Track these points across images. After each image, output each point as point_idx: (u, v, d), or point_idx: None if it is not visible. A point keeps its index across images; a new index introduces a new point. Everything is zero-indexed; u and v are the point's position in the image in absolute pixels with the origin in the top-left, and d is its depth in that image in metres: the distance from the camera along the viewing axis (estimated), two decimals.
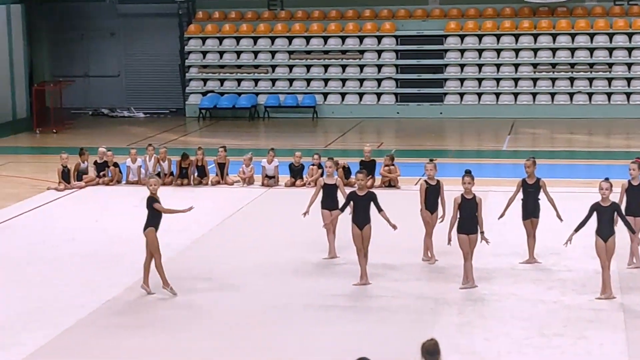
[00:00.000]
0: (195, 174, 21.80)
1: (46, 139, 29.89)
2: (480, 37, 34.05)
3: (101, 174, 21.92)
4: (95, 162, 22.02)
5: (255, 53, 35.09)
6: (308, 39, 34.93)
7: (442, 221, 15.20)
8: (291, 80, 34.52)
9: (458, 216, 13.97)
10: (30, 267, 15.51)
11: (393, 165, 20.95)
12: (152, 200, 14.01)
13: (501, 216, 15.34)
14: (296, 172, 21.59)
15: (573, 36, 33.64)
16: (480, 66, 33.79)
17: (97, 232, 17.75)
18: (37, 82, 34.62)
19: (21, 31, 34.71)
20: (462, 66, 33.83)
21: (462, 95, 33.50)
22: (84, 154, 22.03)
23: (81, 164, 21.95)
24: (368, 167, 20.18)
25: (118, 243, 16.88)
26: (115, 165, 22.10)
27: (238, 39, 35.35)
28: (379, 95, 33.97)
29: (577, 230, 13.57)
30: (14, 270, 15.27)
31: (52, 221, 18.79)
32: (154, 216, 14.00)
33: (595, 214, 13.47)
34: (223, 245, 16.88)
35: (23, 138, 30.41)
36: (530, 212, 15.18)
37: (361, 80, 34.23)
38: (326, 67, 34.53)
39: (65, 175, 21.47)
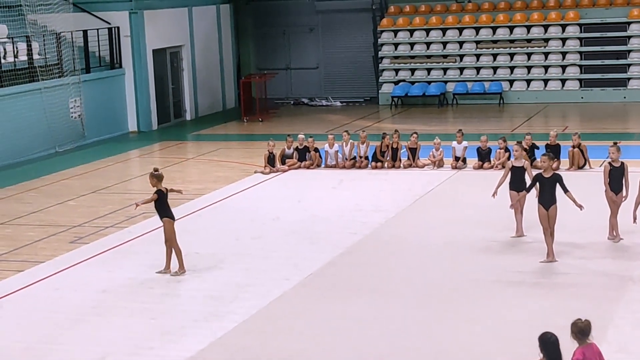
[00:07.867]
0: (389, 157, 21.86)
1: (253, 127, 30.57)
2: None
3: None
4: (297, 148, 22.38)
5: (444, 44, 34.82)
6: (494, 29, 34.40)
7: (625, 200, 14.76)
8: (478, 69, 34.09)
9: None
10: (239, 243, 15.93)
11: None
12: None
13: None
14: (484, 155, 21.33)
15: None
16: None
17: (299, 211, 18.02)
18: (244, 75, 35.44)
19: (229, 28, 35.62)
20: None
21: None
22: (289, 140, 22.50)
23: (286, 150, 22.40)
24: (553, 150, 19.79)
25: (318, 221, 17.11)
26: (316, 150, 22.40)
27: (428, 30, 35.16)
28: (563, 81, 33.12)
29: None
30: (224, 246, 15.70)
31: (258, 201, 19.19)
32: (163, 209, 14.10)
33: None
34: (415, 224, 16.86)
35: (232, 126, 31.18)
36: None
37: (546, 67, 33.46)
38: (512, 55, 33.92)
39: (270, 160, 21.92)
